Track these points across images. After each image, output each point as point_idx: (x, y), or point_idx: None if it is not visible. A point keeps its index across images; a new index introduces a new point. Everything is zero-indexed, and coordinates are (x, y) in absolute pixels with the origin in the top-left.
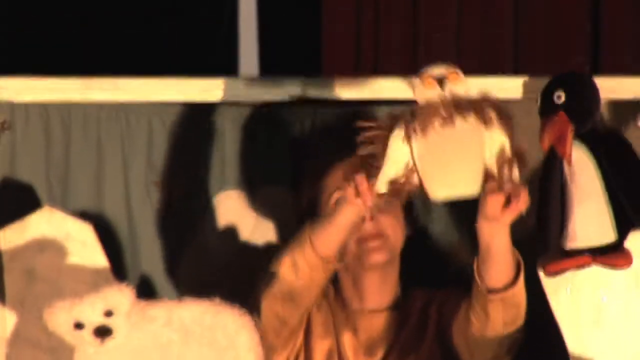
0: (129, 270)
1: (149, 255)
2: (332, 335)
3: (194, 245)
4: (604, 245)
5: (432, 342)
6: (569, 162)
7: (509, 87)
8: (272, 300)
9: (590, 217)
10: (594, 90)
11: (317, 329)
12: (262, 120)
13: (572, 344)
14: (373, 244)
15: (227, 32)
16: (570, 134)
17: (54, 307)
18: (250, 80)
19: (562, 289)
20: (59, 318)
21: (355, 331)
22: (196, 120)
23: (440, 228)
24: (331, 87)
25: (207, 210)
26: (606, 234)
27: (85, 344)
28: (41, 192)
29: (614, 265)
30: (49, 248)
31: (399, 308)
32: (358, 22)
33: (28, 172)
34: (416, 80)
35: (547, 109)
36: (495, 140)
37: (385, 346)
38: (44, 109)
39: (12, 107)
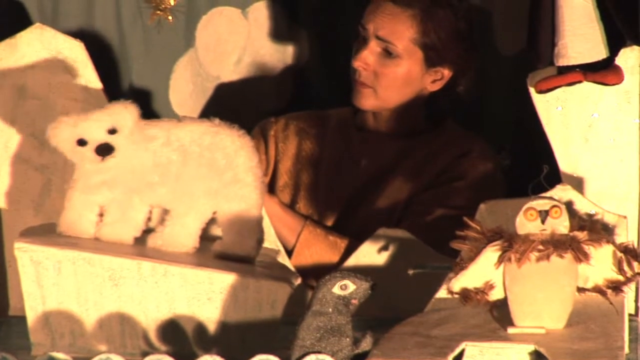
0: (122, 88)
1: (141, 73)
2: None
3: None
4: (595, 62)
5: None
6: None
7: None
8: None
9: (581, 34)
10: None
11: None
12: None
13: (562, 161)
14: (360, 82)
15: None
16: None
17: (58, 122)
18: None
19: (553, 107)
20: (63, 134)
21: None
22: None
23: None
24: None
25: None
26: (597, 51)
27: (85, 161)
28: (32, 9)
29: (605, 82)
30: (40, 65)
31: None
32: None
33: None
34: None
35: None
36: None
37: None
38: None
39: None
